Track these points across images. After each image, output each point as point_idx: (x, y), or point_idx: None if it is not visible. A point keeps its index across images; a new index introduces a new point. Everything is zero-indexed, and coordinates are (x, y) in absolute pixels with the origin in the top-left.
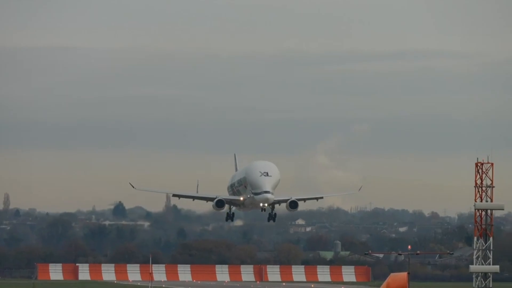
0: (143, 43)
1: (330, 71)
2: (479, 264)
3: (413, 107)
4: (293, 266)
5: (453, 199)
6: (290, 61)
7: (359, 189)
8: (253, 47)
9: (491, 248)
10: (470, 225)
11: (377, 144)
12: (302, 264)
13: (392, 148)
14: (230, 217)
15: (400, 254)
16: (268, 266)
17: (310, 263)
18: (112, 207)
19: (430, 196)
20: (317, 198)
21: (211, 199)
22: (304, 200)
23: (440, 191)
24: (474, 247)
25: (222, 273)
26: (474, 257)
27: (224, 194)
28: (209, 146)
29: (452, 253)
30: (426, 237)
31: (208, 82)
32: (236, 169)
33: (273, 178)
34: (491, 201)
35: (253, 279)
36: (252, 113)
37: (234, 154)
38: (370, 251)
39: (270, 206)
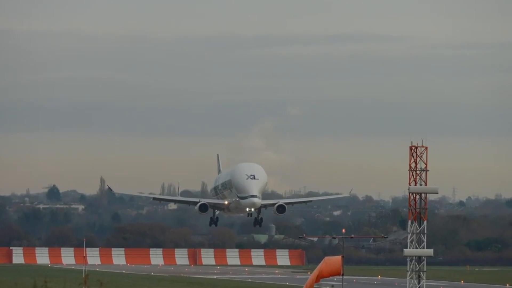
0: (78, 26)
1: (264, 54)
2: (413, 248)
3: (347, 90)
4: (227, 249)
5: (387, 183)
6: (224, 44)
7: (350, 192)
8: (187, 30)
9: (425, 231)
10: (404, 209)
11: (311, 127)
12: (236, 248)
13: (326, 131)
14: (214, 221)
15: (334, 238)
16: (202, 249)
17: (244, 247)
18: (46, 190)
19: (364, 180)
20: (305, 202)
21: (194, 203)
22: (292, 203)
23: (374, 174)
24: (408, 231)
25: (156, 257)
26: (408, 240)
27: (208, 197)
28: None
29: (386, 237)
30: (360, 220)
31: (140, 65)
32: (219, 171)
33: (260, 181)
34: (425, 184)
35: (187, 263)
36: (185, 96)
37: (217, 155)
38: (304, 235)
39: (257, 211)
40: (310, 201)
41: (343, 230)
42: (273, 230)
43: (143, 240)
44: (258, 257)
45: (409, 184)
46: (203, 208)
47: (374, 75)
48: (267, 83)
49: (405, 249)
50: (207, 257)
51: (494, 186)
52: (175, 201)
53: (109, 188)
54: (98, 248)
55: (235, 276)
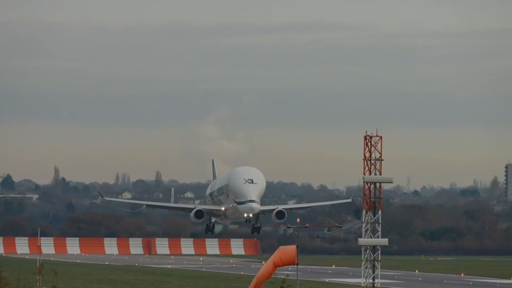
0: (32, 15)
1: (219, 43)
2: (367, 237)
3: (302, 80)
4: (181, 239)
5: (342, 172)
6: (179, 33)
7: (351, 198)
8: (142, 19)
9: (380, 221)
10: (359, 198)
11: (267, 116)
12: (190, 237)
13: (281, 120)
14: (210, 229)
15: (289, 227)
16: (156, 239)
17: (198, 236)
18: (0, 179)
19: (319, 169)
20: (305, 208)
21: (189, 210)
22: (292, 209)
23: (329, 164)
24: (363, 220)
25: (111, 246)
26: (363, 230)
27: (203, 203)
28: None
29: (341, 226)
30: (315, 209)
31: (94, 53)
32: (214, 176)
33: (258, 185)
34: (380, 174)
35: (142, 252)
36: (140, 85)
37: (212, 160)
38: (259, 224)
39: (255, 217)
40: (309, 207)
41: (298, 220)
42: None
43: (98, 230)
44: (212, 246)
45: (364, 174)
46: (199, 214)
47: (328, 65)
48: (222, 72)
49: (359, 239)
50: (162, 246)
51: (449, 176)
52: (169, 208)
53: (100, 194)
54: (52, 238)
55: (189, 265)
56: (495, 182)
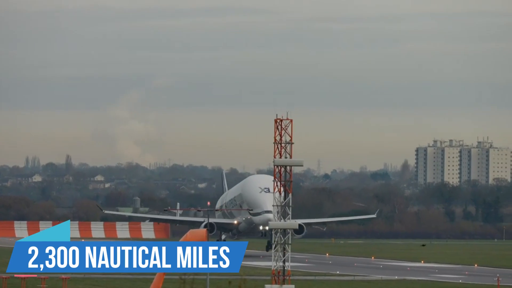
0: None
1: (132, 26)
2: (278, 220)
3: (215, 64)
4: (92, 222)
5: (252, 156)
6: (92, 16)
7: (376, 213)
8: (57, 2)
9: (290, 204)
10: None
11: (178, 99)
12: (101, 221)
13: (193, 104)
14: None
15: (199, 211)
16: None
17: (109, 220)
18: None
19: (229, 153)
20: (324, 223)
21: (199, 223)
22: (311, 225)
23: (239, 147)
24: (273, 203)
25: (21, 229)
26: (274, 213)
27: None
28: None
29: (251, 210)
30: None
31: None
32: (224, 190)
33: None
34: (290, 157)
35: None
36: (51, 68)
37: (222, 172)
38: (169, 208)
39: (270, 232)
40: (329, 222)
41: (208, 203)
42: (138, 202)
43: (8, 213)
44: (122, 229)
45: (274, 157)
46: (209, 228)
47: (242, 48)
48: (133, 55)
49: (270, 222)
50: (72, 230)
51: (359, 159)
52: (176, 222)
53: (98, 207)
54: None
55: None
56: (405, 166)
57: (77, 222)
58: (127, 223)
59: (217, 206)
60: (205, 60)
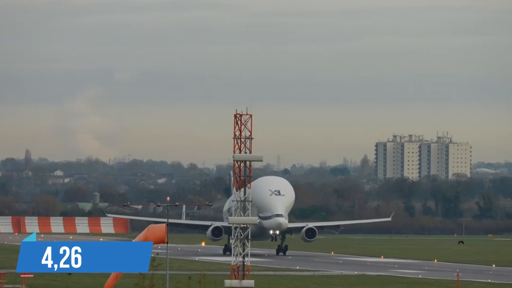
0: None
1: (94, 21)
2: (238, 216)
3: (173, 59)
4: (51, 217)
5: (212, 151)
6: (53, 11)
7: (390, 216)
8: None
9: (250, 199)
10: (229, 176)
11: (137, 94)
12: (60, 216)
13: (152, 99)
14: (229, 249)
15: (159, 206)
16: (26, 217)
17: (68, 215)
18: None
19: (189, 148)
20: (338, 226)
21: (205, 227)
22: (323, 227)
23: (199, 142)
24: (233, 199)
25: None
26: (233, 208)
27: (220, 220)
28: None
29: (211, 205)
30: (185, 188)
31: None
32: (231, 192)
33: (286, 198)
34: (250, 152)
35: (11, 231)
36: (12, 63)
37: (230, 173)
38: (128, 203)
39: (280, 236)
40: (339, 226)
41: (168, 198)
42: (97, 198)
43: None
44: (82, 225)
45: (234, 152)
46: (217, 232)
47: (200, 43)
48: (94, 50)
49: (230, 217)
50: (31, 225)
51: (319, 154)
52: (182, 225)
53: (101, 211)
54: None
55: None
56: (365, 161)
57: (36, 217)
58: (87, 218)
59: (225, 208)
60: (165, 55)
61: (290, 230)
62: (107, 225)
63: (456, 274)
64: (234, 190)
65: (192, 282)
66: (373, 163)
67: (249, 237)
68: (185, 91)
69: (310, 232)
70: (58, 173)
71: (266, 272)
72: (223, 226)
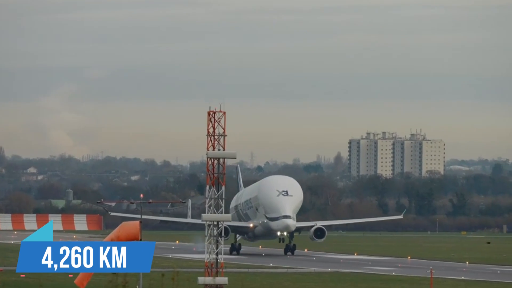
0: None
1: (68, 18)
2: (211, 213)
3: (147, 56)
4: (24, 214)
5: (185, 148)
6: (24, 8)
7: (402, 214)
8: None
9: (223, 196)
10: (202, 174)
11: (112, 92)
12: (34, 213)
13: (125, 96)
14: (235, 248)
15: (132, 203)
16: None
17: (41, 212)
18: None
19: (162, 145)
20: (347, 224)
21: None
22: (332, 226)
23: (172, 139)
24: (206, 196)
25: None
26: (207, 205)
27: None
28: None
29: (184, 202)
30: (158, 185)
31: None
32: (239, 185)
33: (294, 198)
34: (223, 149)
35: None
36: None
37: (237, 166)
38: (102, 200)
39: (289, 235)
40: (348, 224)
41: (141, 195)
42: (71, 195)
43: None
44: (55, 222)
45: (207, 149)
46: (224, 232)
47: (175, 41)
48: (67, 47)
49: (203, 214)
50: (4, 222)
51: (292, 151)
52: (187, 224)
53: (105, 210)
54: None
55: None
56: (338, 158)
57: (9, 214)
58: (60, 215)
59: (232, 205)
60: (138, 52)
61: (298, 229)
62: (80, 222)
63: (429, 271)
64: (241, 184)
65: (165, 279)
66: (346, 160)
67: (223, 235)
68: (159, 88)
69: (319, 232)
70: (32, 170)
71: (240, 270)
72: (229, 226)
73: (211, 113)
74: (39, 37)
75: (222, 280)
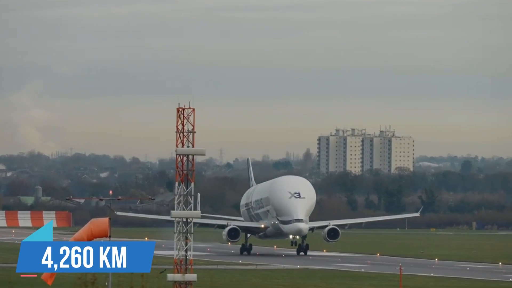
0: None
1: (37, 15)
2: (180, 210)
3: (116, 52)
4: None
5: (154, 145)
6: None
7: (419, 211)
8: None
9: (193, 193)
10: (172, 170)
11: (82, 88)
12: (3, 210)
13: (95, 93)
14: (246, 249)
15: (101, 200)
16: None
17: (10, 208)
18: None
19: (131, 142)
20: (361, 223)
21: (221, 227)
22: (345, 225)
23: (141, 136)
24: (175, 193)
25: None
26: (176, 202)
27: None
28: None
29: (154, 199)
30: (127, 182)
31: None
32: (250, 179)
33: (307, 200)
34: (193, 146)
35: None
36: None
37: (248, 159)
38: (71, 197)
39: (302, 238)
40: (362, 223)
41: (110, 192)
42: (40, 191)
43: None
44: (24, 218)
45: (176, 146)
46: (233, 234)
47: (144, 37)
48: (37, 44)
49: (172, 211)
50: None
51: (261, 148)
52: (197, 224)
53: (111, 209)
54: None
55: (1, 238)
56: (307, 155)
57: None
58: (29, 212)
59: (242, 202)
60: (107, 49)
61: (312, 229)
62: (49, 219)
63: (398, 268)
64: (252, 178)
65: (134, 276)
66: (315, 157)
67: (192, 232)
68: (127, 85)
69: (333, 232)
70: (1, 166)
71: (209, 266)
72: (239, 227)
73: (180, 110)
74: (8, 33)
75: (192, 277)
